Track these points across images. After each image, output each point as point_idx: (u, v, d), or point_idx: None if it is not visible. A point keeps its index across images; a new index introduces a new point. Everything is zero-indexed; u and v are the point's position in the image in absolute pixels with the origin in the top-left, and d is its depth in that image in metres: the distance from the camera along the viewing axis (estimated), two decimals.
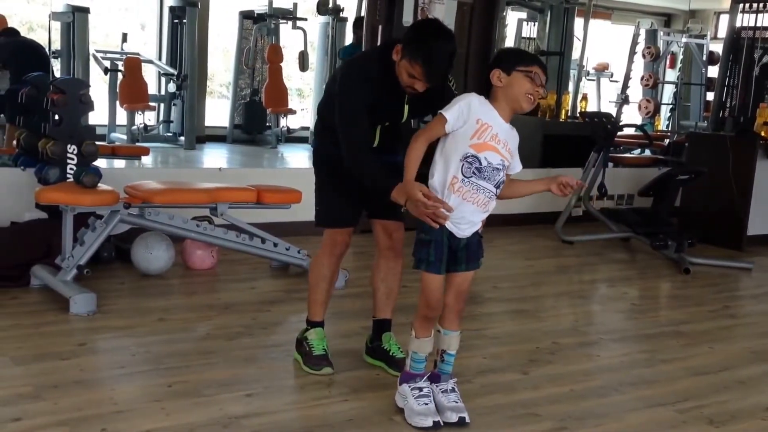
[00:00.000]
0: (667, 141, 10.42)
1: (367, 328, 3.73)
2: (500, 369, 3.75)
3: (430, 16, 6.52)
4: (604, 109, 11.18)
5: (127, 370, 3.50)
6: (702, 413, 3.39)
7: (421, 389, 3.05)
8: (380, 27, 6.48)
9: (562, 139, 8.51)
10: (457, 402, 3.10)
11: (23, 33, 8.74)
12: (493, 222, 7.16)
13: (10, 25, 8.19)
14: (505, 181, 3.06)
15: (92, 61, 10.12)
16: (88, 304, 4.15)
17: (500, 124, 2.94)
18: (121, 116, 10.19)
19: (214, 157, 10.48)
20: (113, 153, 7.31)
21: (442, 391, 3.12)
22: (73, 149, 5.01)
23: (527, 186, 3.20)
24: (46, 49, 8.22)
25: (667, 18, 12.75)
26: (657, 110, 11.37)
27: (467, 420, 3.05)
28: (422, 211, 2.91)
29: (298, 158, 10.56)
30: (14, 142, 5.68)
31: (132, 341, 3.85)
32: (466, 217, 2.96)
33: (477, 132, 2.90)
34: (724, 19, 11.74)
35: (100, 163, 5.58)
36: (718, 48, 9.83)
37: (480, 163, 2.90)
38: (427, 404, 3.03)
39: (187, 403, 3.13)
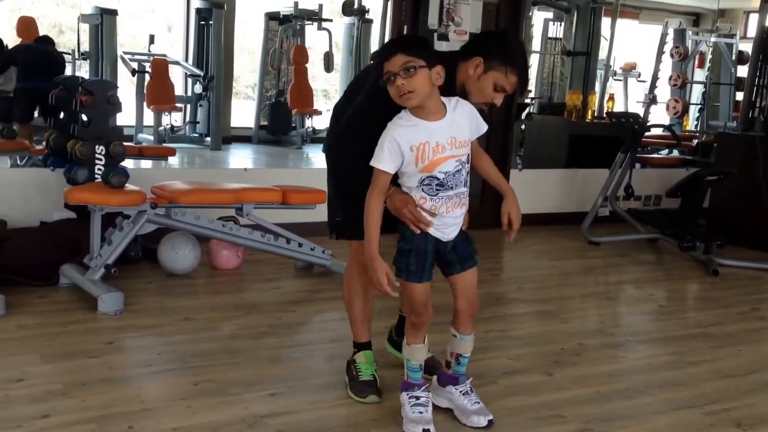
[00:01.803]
0: (695, 141, 10.36)
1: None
2: (524, 370, 3.73)
3: (455, 17, 6.52)
4: (631, 110, 11.13)
5: (154, 368, 3.52)
6: (730, 416, 3.36)
7: (418, 398, 2.99)
8: (405, 27, 6.47)
9: (589, 140, 8.48)
10: (479, 403, 3.08)
11: (53, 35, 8.92)
12: None
13: (40, 27, 8.33)
14: (475, 146, 2.97)
15: (120, 63, 10.23)
16: (115, 303, 4.19)
17: (433, 129, 2.80)
18: (148, 117, 10.30)
19: (240, 157, 10.54)
20: (140, 154, 7.38)
21: (462, 393, 3.09)
22: (101, 150, 5.06)
23: (491, 172, 3.07)
24: (69, 52, 8.41)
25: (696, 17, 12.68)
26: (685, 110, 11.30)
27: (494, 421, 3.03)
28: (404, 213, 2.86)
29: (323, 159, 10.56)
30: (44, 143, 5.75)
31: (158, 340, 3.88)
32: (447, 222, 2.91)
33: (417, 158, 2.78)
34: (754, 18, 11.65)
35: (128, 163, 5.63)
36: (747, 47, 9.75)
37: (438, 179, 2.82)
38: (421, 413, 2.96)
39: (212, 402, 3.14)
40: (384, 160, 2.80)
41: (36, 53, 7.82)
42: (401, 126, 2.81)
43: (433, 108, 2.82)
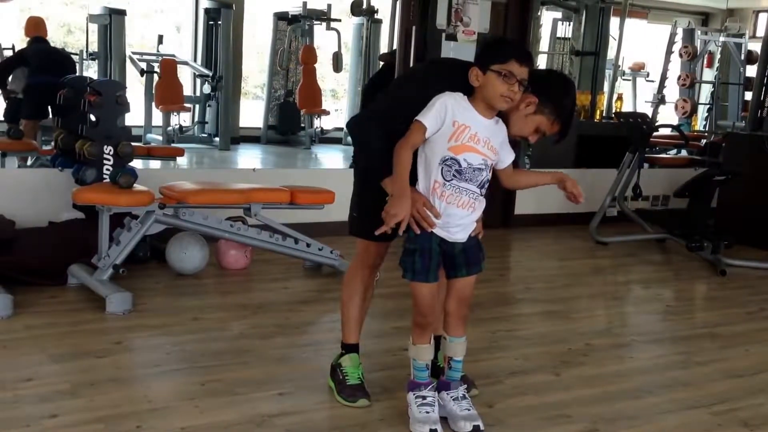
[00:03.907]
0: (703, 141, 10.34)
1: (399, 329, 3.74)
2: (532, 370, 3.73)
3: (464, 17, 6.52)
4: (639, 110, 11.11)
5: (162, 368, 3.53)
6: (737, 416, 3.35)
7: (424, 398, 2.99)
8: (414, 27, 6.48)
9: (597, 140, 8.46)
10: (469, 409, 3.04)
11: (61, 35, 8.95)
12: (526, 222, 7.18)
13: (48, 27, 8.38)
14: (509, 172, 3.04)
15: (128, 63, 10.25)
16: (124, 303, 4.20)
17: (480, 122, 2.88)
18: (157, 117, 10.32)
19: (248, 157, 10.55)
20: (149, 154, 7.40)
21: (453, 399, 3.06)
22: (110, 150, 5.08)
23: (533, 177, 3.19)
24: (78, 52, 8.43)
25: (705, 17, 12.65)
26: (694, 110, 11.29)
27: (482, 428, 2.99)
28: (411, 210, 2.85)
29: (332, 159, 10.60)
30: (52, 143, 5.78)
31: (167, 340, 3.89)
32: (453, 221, 2.91)
33: (454, 134, 2.84)
34: (763, 18, 11.64)
35: (136, 163, 5.65)
36: (756, 47, 9.72)
37: (459, 165, 2.85)
38: (428, 413, 2.96)
39: (220, 402, 3.16)
40: (428, 117, 2.84)
41: (46, 51, 7.88)
42: (457, 100, 2.88)
43: (491, 112, 2.91)
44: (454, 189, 2.87)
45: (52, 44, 8.41)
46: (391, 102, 3.07)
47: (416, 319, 3.00)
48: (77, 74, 8.45)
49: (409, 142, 2.88)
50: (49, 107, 7.55)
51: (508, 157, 3.02)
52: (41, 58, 7.68)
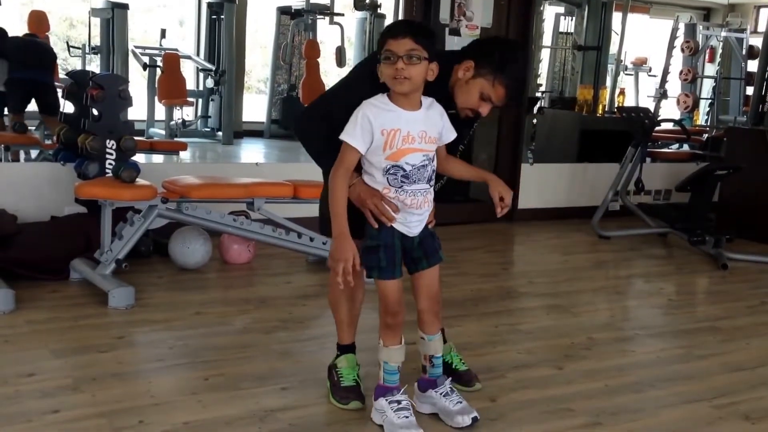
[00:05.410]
0: (705, 136, 10.34)
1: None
2: (534, 364, 3.74)
3: (467, 12, 6.52)
4: (642, 104, 11.11)
5: (165, 363, 3.54)
6: (738, 409, 3.36)
7: (399, 402, 2.91)
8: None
9: (600, 135, 8.48)
10: (461, 402, 2.99)
11: (63, 29, 8.95)
12: (529, 216, 7.18)
13: (51, 21, 8.37)
14: (442, 155, 2.90)
15: (131, 57, 10.25)
16: (126, 297, 4.21)
17: (407, 118, 2.73)
18: (160, 112, 10.32)
19: (252, 152, 10.56)
20: (152, 148, 7.41)
21: (442, 395, 3.00)
22: (112, 144, 5.07)
23: (463, 169, 3.01)
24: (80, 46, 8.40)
25: (707, 12, 12.64)
26: (696, 105, 11.29)
27: (478, 418, 2.96)
28: (368, 204, 2.78)
29: None
30: (54, 138, 5.77)
31: (169, 334, 3.89)
32: (411, 217, 2.83)
33: (386, 143, 2.71)
34: (765, 13, 11.62)
35: (139, 158, 5.65)
36: (757, 42, 9.71)
37: (404, 170, 2.75)
38: (407, 417, 2.88)
39: (223, 396, 3.16)
40: (355, 136, 2.71)
41: (26, 45, 7.85)
42: (376, 106, 2.73)
43: (413, 100, 2.76)
44: (406, 193, 2.79)
45: (52, 38, 8.41)
46: (339, 100, 2.92)
47: (386, 320, 2.91)
48: (76, 68, 8.46)
49: (343, 167, 2.75)
50: (34, 100, 7.54)
51: (449, 135, 2.88)
52: (19, 52, 7.65)
